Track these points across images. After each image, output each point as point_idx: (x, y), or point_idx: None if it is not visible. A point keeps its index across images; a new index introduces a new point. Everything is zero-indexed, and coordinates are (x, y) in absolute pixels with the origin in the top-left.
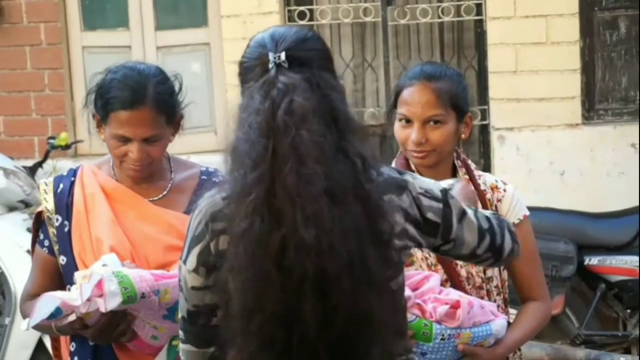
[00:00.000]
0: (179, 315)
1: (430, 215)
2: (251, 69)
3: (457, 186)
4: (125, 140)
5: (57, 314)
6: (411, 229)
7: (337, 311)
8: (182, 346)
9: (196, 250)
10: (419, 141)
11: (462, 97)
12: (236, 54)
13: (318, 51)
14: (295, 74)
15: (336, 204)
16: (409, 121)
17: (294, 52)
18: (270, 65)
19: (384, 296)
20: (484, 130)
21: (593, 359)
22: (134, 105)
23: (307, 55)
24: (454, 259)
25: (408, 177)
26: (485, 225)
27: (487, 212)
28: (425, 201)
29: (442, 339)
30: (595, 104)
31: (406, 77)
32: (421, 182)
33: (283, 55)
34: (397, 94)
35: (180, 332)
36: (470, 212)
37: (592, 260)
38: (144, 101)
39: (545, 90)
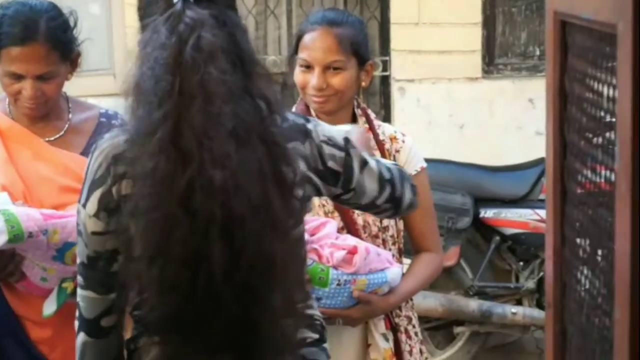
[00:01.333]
0: (78, 261)
1: (331, 164)
2: (153, 2)
3: (354, 132)
4: (18, 77)
5: None
6: (313, 178)
7: (241, 254)
8: (81, 292)
9: (97, 194)
10: (320, 86)
11: (363, 45)
12: None
13: None
14: (203, 10)
15: (242, 145)
16: (309, 67)
17: None
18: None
19: (286, 242)
20: (385, 81)
21: (485, 310)
22: (25, 40)
23: None
24: (354, 208)
25: (311, 124)
26: (386, 175)
27: (389, 162)
28: (327, 149)
29: (338, 285)
30: (495, 58)
31: (308, 22)
32: (324, 129)
33: None
34: (299, 39)
35: (80, 278)
36: (372, 161)
37: (488, 213)
38: (35, 37)
39: (446, 43)
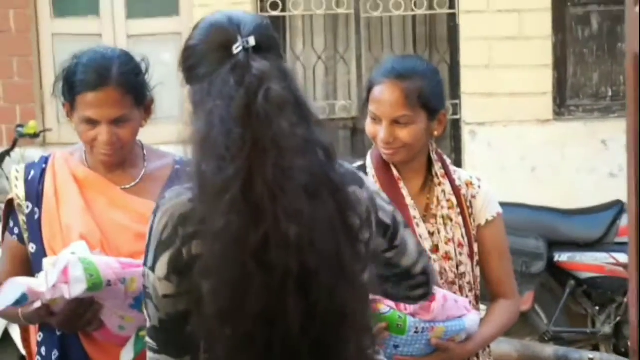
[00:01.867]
0: (149, 325)
1: (382, 215)
2: (208, 52)
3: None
4: (94, 123)
5: (22, 300)
6: (370, 222)
7: (316, 307)
8: (154, 356)
9: (165, 257)
10: (387, 140)
11: (433, 96)
12: None
13: (275, 39)
14: (265, 61)
15: (313, 198)
16: (378, 119)
17: (259, 37)
18: (238, 50)
19: (356, 291)
20: (456, 125)
21: (561, 356)
22: (99, 86)
23: (270, 42)
24: (393, 270)
25: (362, 174)
26: (421, 247)
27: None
28: (379, 200)
29: (415, 332)
30: (566, 99)
31: (377, 73)
32: (371, 183)
33: (252, 40)
34: (369, 90)
35: (151, 342)
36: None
37: (562, 257)
38: (108, 82)
39: (517, 85)
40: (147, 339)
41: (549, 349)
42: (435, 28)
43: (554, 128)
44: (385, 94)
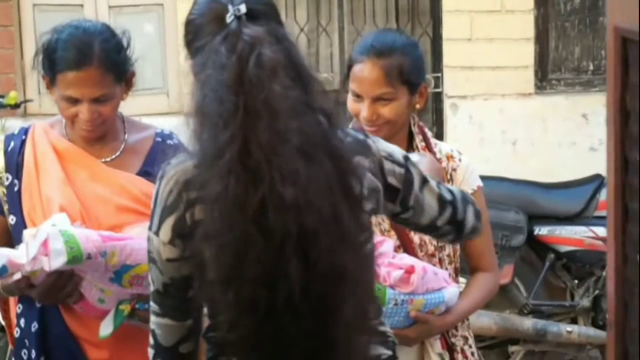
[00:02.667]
0: (152, 288)
1: (391, 180)
2: (204, 25)
3: (423, 161)
4: (75, 101)
5: (2, 272)
6: (376, 193)
7: (315, 269)
8: (157, 320)
9: (170, 221)
10: (370, 118)
11: (413, 71)
12: None
13: (270, 5)
14: (258, 27)
15: (309, 161)
16: (359, 96)
17: (251, 4)
18: (230, 19)
19: (357, 256)
20: (437, 98)
21: (540, 329)
22: (80, 65)
23: (263, 9)
24: (414, 229)
25: (370, 139)
26: (447, 196)
27: (453, 187)
28: (388, 164)
29: (395, 304)
30: (548, 73)
31: (357, 50)
32: (383, 145)
33: (243, 7)
34: (349, 67)
35: (155, 306)
36: (433, 181)
37: (542, 230)
38: (90, 61)
39: (498, 58)
40: (151, 303)
41: (528, 322)
42: (417, 1)
43: (535, 102)
44: (365, 72)
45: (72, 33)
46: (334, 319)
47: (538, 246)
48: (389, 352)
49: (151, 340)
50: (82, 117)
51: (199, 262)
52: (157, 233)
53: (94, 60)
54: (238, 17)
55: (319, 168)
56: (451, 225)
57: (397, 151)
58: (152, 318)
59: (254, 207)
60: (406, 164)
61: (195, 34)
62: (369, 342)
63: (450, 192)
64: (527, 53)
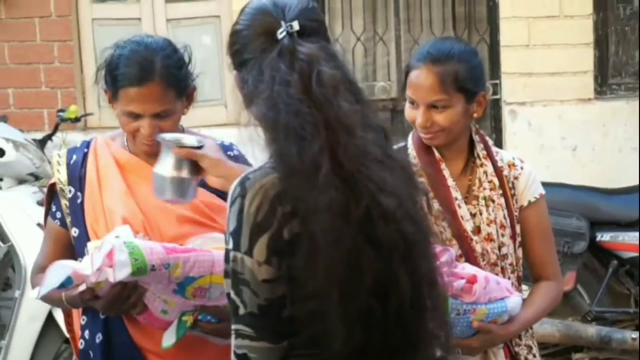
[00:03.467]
0: (243, 312)
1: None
2: (253, 37)
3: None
4: (136, 116)
5: (67, 283)
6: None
7: (415, 276)
8: (252, 344)
9: (264, 239)
10: (424, 125)
11: (470, 79)
12: None
13: (321, 22)
14: (312, 44)
15: (389, 170)
16: (415, 103)
17: (303, 21)
18: (281, 35)
19: (434, 259)
20: (496, 105)
21: (604, 336)
22: (142, 81)
23: (314, 25)
24: None
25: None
26: None
27: None
28: None
29: (457, 314)
30: (607, 78)
31: (414, 57)
32: None
33: (296, 25)
34: (406, 74)
35: (247, 329)
36: None
37: (604, 237)
38: (152, 77)
39: (557, 64)
40: (240, 327)
41: (592, 329)
42: (474, 8)
43: (594, 107)
44: (420, 78)
45: (134, 49)
46: (423, 325)
47: (600, 253)
48: (444, 353)
49: None
50: (143, 132)
51: (298, 279)
52: (249, 253)
53: (156, 77)
54: (290, 34)
55: (398, 178)
56: None
57: None
58: (243, 342)
59: (359, 217)
60: None
61: (243, 45)
62: (444, 345)
63: None
64: (586, 58)
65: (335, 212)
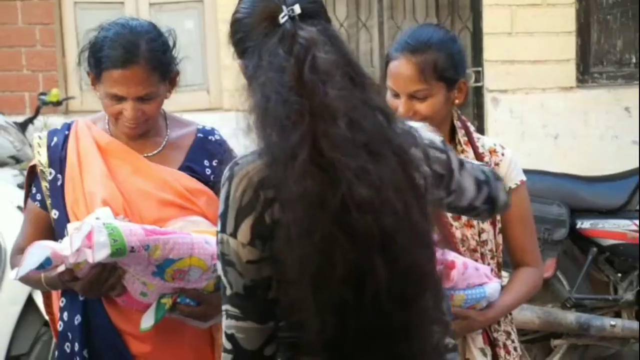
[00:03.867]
0: (230, 292)
1: (436, 167)
2: (255, 24)
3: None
4: (119, 98)
5: (46, 264)
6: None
7: (396, 266)
8: (239, 324)
9: (248, 222)
10: (406, 114)
11: (450, 66)
12: (230, 11)
13: (320, 3)
14: (312, 27)
15: (376, 159)
16: (396, 93)
17: (304, 4)
18: (284, 19)
19: (428, 248)
20: (478, 92)
21: (583, 323)
22: (127, 63)
23: (315, 7)
24: (454, 212)
25: (414, 129)
26: (481, 176)
27: (480, 163)
28: (432, 152)
29: None
30: (590, 67)
31: (393, 47)
32: (424, 133)
33: (298, 8)
34: (386, 65)
35: (234, 309)
36: (467, 163)
37: (584, 224)
38: (136, 59)
39: (540, 52)
40: (228, 307)
41: (571, 316)
42: None
43: (576, 95)
44: (400, 69)
45: (119, 31)
46: (411, 313)
47: (580, 240)
48: (453, 341)
49: (228, 345)
50: (126, 115)
51: (280, 263)
52: (234, 235)
53: (140, 59)
54: (291, 18)
55: (386, 165)
56: (487, 204)
57: (436, 138)
58: (231, 322)
59: (335, 207)
60: (445, 149)
61: (246, 33)
62: (440, 332)
63: (482, 171)
64: (568, 46)
65: (310, 201)
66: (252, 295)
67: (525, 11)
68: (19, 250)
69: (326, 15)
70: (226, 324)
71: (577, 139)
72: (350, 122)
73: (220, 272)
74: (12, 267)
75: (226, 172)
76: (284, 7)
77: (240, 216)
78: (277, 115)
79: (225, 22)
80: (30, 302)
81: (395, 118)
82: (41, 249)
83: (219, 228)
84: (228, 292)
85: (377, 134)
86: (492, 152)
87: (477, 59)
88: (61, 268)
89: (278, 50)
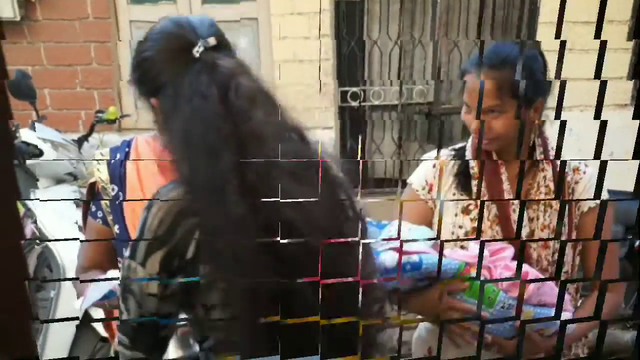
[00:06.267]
0: (124, 317)
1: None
2: (168, 60)
3: None
4: None
5: (110, 295)
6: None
7: (325, 278)
8: (124, 352)
9: (159, 254)
10: (478, 130)
11: (528, 85)
12: (284, 29)
13: (224, 36)
14: (229, 57)
15: (300, 180)
16: (470, 107)
17: (217, 36)
18: (199, 51)
19: (355, 254)
20: None
21: None
22: None
23: (225, 41)
24: None
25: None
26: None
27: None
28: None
29: (502, 307)
30: None
31: (470, 61)
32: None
33: (213, 40)
34: (462, 78)
35: (123, 338)
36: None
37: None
38: None
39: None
40: (119, 335)
41: (628, 335)
42: (513, 12)
43: (632, 112)
44: (475, 83)
45: None
46: (352, 327)
47: (637, 258)
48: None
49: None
50: None
51: (207, 288)
52: (142, 264)
53: None
54: (206, 49)
55: (310, 186)
56: None
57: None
58: (121, 349)
59: (260, 232)
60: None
61: (158, 70)
62: (377, 329)
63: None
64: (624, 63)
65: (235, 227)
66: (144, 328)
67: (581, 28)
68: (82, 269)
69: (232, 47)
70: (118, 349)
71: (631, 156)
72: (275, 147)
73: (120, 296)
74: (75, 287)
75: (149, 201)
76: (198, 40)
77: (153, 247)
78: (204, 143)
79: (279, 39)
80: (86, 317)
81: (310, 138)
82: (104, 284)
83: (128, 254)
84: (124, 317)
85: (298, 155)
86: (575, 170)
87: None
88: None
89: (200, 80)
